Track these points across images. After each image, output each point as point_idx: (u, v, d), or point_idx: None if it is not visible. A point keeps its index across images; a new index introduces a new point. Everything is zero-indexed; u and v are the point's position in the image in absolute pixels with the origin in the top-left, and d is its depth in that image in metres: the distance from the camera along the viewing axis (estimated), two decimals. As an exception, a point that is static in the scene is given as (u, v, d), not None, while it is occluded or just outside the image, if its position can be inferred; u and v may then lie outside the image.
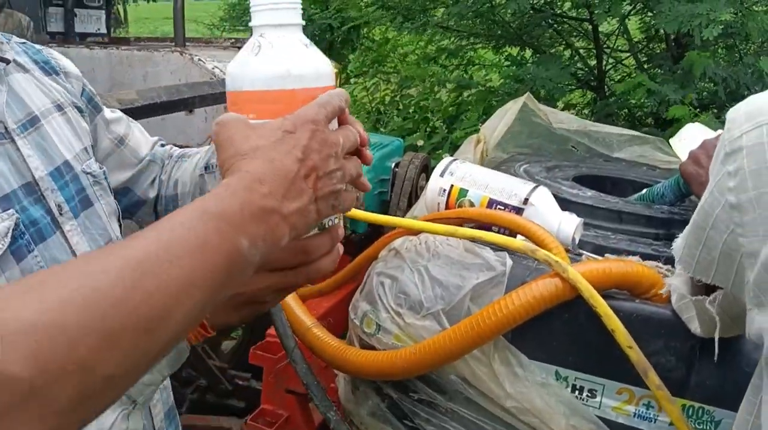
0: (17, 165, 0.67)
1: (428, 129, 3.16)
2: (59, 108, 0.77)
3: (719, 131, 1.31)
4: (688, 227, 0.64)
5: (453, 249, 0.95)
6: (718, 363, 0.76)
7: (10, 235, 0.63)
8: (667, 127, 2.54)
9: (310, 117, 0.55)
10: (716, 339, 0.68)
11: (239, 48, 1.90)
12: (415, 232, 0.99)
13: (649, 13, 2.88)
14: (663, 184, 1.21)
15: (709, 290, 0.67)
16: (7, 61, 0.72)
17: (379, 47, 3.78)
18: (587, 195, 1.18)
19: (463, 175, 1.09)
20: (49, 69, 0.80)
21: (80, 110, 0.81)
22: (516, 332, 0.86)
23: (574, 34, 3.44)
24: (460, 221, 1.02)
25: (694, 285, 0.68)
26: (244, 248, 0.48)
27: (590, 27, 3.15)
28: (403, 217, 1.41)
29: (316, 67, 0.59)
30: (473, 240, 0.90)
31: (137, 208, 0.92)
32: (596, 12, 2.59)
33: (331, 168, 0.55)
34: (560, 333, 0.86)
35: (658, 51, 3.25)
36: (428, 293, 0.91)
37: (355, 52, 5.66)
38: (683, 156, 1.23)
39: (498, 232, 0.99)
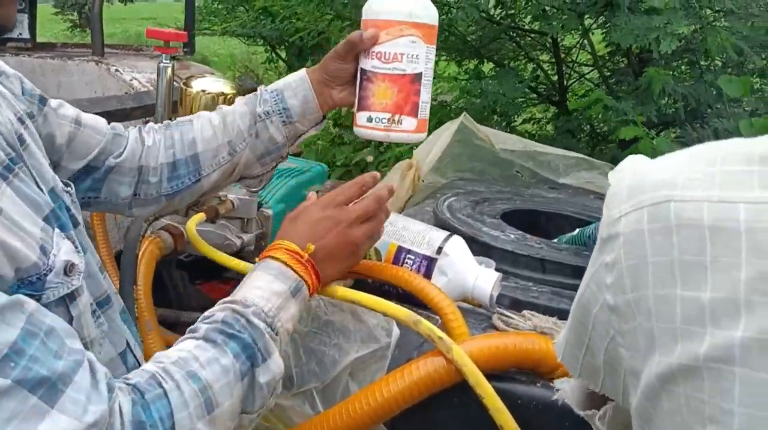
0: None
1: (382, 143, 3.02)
2: (21, 121, 0.70)
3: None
4: (568, 321, 0.50)
5: (337, 312, 0.81)
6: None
7: (80, 249, 0.64)
8: (629, 143, 2.43)
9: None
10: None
11: (172, 57, 1.70)
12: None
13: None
14: (595, 226, 1.08)
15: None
16: None
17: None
18: (509, 239, 1.05)
19: None
20: None
21: (31, 116, 0.76)
22: (400, 418, 0.72)
23: (538, 47, 3.34)
24: (353, 276, 0.88)
25: (586, 390, 0.55)
26: None
27: (551, 40, 3.04)
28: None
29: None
30: (352, 302, 0.76)
31: (102, 181, 0.89)
32: (553, 24, 2.48)
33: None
34: (450, 420, 0.72)
35: (622, 66, 3.16)
36: (302, 368, 0.76)
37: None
38: (620, 193, 1.10)
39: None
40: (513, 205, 1.29)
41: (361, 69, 0.90)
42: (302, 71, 0.95)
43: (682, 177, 0.38)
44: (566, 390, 0.58)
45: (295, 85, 0.93)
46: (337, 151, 3.10)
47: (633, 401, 0.42)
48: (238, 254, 1.25)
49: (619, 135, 2.28)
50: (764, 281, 0.34)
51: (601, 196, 1.53)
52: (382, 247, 0.91)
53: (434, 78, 3.41)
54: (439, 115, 2.65)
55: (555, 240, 1.17)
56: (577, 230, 1.14)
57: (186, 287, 1.63)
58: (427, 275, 0.88)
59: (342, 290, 0.76)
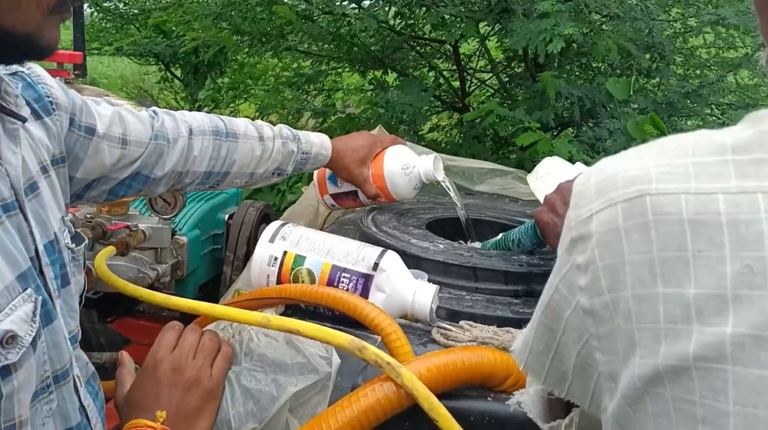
0: (25, 238, 0.61)
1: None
2: (44, 170, 0.69)
3: (577, 166, 1.22)
4: (530, 327, 0.48)
5: (272, 342, 0.76)
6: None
7: (38, 318, 0.57)
8: (529, 145, 2.51)
9: None
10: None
11: (66, 81, 1.57)
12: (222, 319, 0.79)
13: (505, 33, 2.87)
14: (519, 230, 1.08)
15: (570, 403, 0.53)
16: (24, 119, 0.64)
17: (233, 73, 3.54)
18: (439, 249, 1.04)
19: (299, 239, 0.91)
20: (42, 110, 0.71)
21: (61, 161, 0.74)
22: (349, 449, 0.68)
23: (438, 56, 3.39)
24: (284, 301, 0.84)
25: (548, 398, 0.54)
26: None
27: (451, 49, 3.10)
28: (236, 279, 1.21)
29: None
30: (290, 332, 0.72)
31: (142, 185, 0.92)
32: (452, 32, 2.53)
33: None
34: (402, 446, 0.69)
35: (519, 71, 3.26)
36: (238, 409, 0.71)
37: (223, 76, 5.37)
38: (541, 195, 1.12)
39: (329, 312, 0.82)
40: (436, 215, 1.28)
41: (357, 192, 1.21)
42: (330, 149, 1.11)
43: (655, 170, 0.37)
44: (527, 402, 0.56)
45: (321, 158, 1.11)
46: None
47: (609, 405, 0.40)
48: (153, 285, 1.18)
49: (517, 142, 2.35)
50: (751, 273, 0.33)
51: (516, 200, 1.57)
52: (316, 267, 0.87)
53: (340, 90, 3.41)
54: (347, 128, 2.63)
55: (479, 246, 1.18)
56: (501, 234, 1.14)
57: (95, 326, 1.52)
58: (364, 292, 0.85)
59: (277, 320, 0.72)
